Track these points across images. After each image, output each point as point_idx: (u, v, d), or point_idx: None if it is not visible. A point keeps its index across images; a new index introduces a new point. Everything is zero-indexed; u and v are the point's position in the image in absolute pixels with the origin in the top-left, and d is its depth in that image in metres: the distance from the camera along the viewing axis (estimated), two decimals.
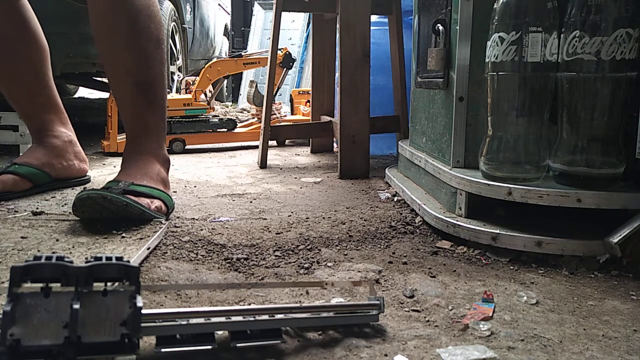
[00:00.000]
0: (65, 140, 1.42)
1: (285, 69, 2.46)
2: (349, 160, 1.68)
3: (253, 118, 2.71)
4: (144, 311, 0.54)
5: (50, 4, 1.89)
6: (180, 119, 2.24)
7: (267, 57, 1.93)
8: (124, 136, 2.09)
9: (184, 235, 1.01)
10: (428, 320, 0.69)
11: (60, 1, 1.93)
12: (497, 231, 0.93)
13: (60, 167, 1.40)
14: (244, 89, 4.55)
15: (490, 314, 0.71)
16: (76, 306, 0.51)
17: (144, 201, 1.05)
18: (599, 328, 0.68)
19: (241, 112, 4.01)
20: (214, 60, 2.45)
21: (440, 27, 1.13)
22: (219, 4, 4.85)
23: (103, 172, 1.71)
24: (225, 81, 2.93)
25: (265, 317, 0.62)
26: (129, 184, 1.07)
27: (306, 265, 0.88)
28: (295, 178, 1.67)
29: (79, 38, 2.03)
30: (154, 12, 1.17)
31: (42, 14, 1.61)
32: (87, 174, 1.52)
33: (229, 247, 0.96)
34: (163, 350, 0.56)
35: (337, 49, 1.87)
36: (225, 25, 5.42)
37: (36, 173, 1.32)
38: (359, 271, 0.86)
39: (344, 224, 1.12)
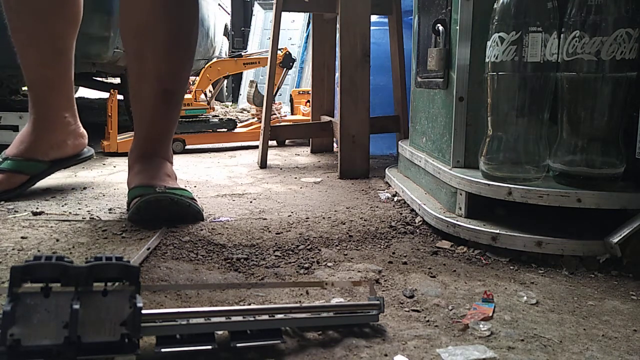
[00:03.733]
0: (57, 118, 1.30)
1: (285, 69, 2.46)
2: (349, 160, 1.68)
3: (253, 118, 2.71)
4: (144, 311, 0.54)
5: None
6: (181, 119, 2.24)
7: (267, 57, 1.93)
8: (124, 136, 2.11)
9: (184, 235, 1.01)
10: (428, 320, 0.69)
11: None
12: (497, 231, 0.93)
13: (51, 149, 1.30)
14: (244, 89, 4.55)
15: (490, 314, 0.71)
16: (76, 306, 0.51)
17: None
18: (599, 328, 0.68)
19: (241, 112, 4.01)
20: (214, 60, 2.46)
21: (440, 27, 1.13)
22: (219, 4, 4.84)
23: (103, 172, 1.71)
24: (225, 81, 2.93)
25: (265, 317, 0.62)
26: (164, 187, 1.08)
27: (306, 265, 0.88)
28: (295, 178, 1.67)
29: (79, 38, 2.02)
30: (197, 24, 1.13)
31: None
32: (86, 149, 1.40)
33: (229, 247, 0.96)
34: (163, 350, 0.56)
35: (337, 49, 1.87)
36: (225, 25, 5.42)
37: (28, 164, 1.26)
38: (359, 271, 0.86)
39: (344, 224, 1.12)
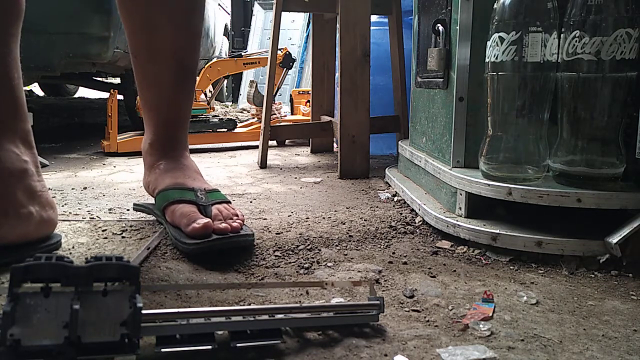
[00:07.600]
0: (15, 169, 0.80)
1: (285, 69, 2.46)
2: (349, 160, 1.68)
3: (253, 118, 2.71)
4: (144, 311, 0.54)
5: (51, 3, 1.88)
6: None
7: (267, 57, 1.93)
8: (124, 136, 2.11)
9: None
10: (428, 320, 0.69)
11: (61, 0, 1.93)
12: (497, 231, 0.93)
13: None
14: (244, 89, 4.55)
15: (490, 314, 0.71)
16: (76, 306, 0.51)
17: (231, 209, 0.97)
18: (599, 328, 0.68)
19: (241, 112, 4.01)
20: (214, 60, 2.46)
21: (440, 27, 1.13)
22: (219, 4, 4.85)
23: (103, 172, 1.71)
24: (225, 81, 2.93)
25: (265, 317, 0.62)
26: (204, 191, 0.98)
27: (306, 265, 0.88)
28: (295, 178, 1.67)
29: (79, 38, 2.03)
30: None
31: (43, 13, 1.59)
32: (55, 230, 0.87)
33: None
34: (163, 350, 0.56)
35: (337, 49, 1.87)
36: (225, 25, 5.42)
37: None
38: (359, 271, 0.86)
39: (344, 224, 1.12)
